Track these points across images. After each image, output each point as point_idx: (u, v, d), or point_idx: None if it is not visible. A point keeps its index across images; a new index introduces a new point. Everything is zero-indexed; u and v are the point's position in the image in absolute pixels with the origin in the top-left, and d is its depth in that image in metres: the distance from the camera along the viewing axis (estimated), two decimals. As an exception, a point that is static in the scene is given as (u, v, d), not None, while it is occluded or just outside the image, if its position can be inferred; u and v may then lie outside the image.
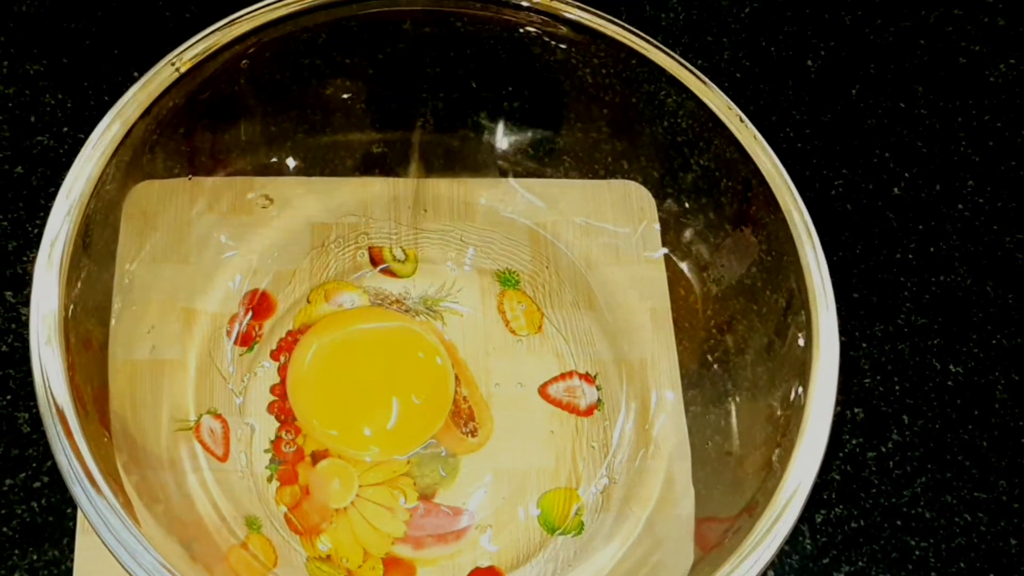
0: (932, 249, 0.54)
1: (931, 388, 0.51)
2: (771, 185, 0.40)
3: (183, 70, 0.39)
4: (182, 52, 0.39)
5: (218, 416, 0.45)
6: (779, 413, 0.40)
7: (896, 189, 0.56)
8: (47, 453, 0.45)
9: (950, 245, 0.54)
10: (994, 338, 0.52)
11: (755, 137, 0.40)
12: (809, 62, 0.59)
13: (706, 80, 0.42)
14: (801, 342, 0.39)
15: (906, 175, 0.56)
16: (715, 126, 0.41)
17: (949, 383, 0.51)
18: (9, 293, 0.48)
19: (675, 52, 0.58)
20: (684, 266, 0.48)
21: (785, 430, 0.39)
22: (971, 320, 0.53)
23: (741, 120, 0.41)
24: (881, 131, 0.57)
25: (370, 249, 0.49)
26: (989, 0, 0.62)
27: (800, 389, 0.39)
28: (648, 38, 0.42)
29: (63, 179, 0.49)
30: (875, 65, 0.59)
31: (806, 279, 0.39)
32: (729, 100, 0.41)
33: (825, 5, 0.61)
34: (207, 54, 0.39)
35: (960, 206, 0.56)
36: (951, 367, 0.51)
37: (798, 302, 0.40)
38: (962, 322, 0.53)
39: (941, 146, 0.57)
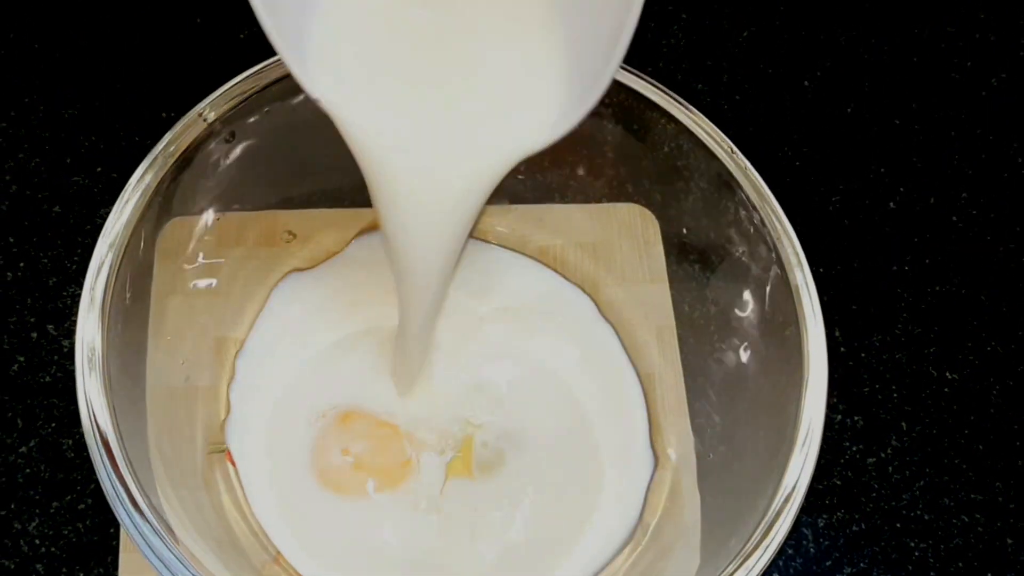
0: (927, 260, 0.56)
1: (928, 395, 0.53)
2: (761, 213, 0.42)
3: (210, 120, 0.42)
4: (209, 104, 0.42)
5: (249, 438, 0.48)
6: (778, 420, 0.42)
7: (891, 203, 0.58)
8: (90, 477, 0.47)
9: (945, 256, 0.56)
10: (988, 345, 0.54)
11: (745, 168, 0.42)
12: (806, 82, 0.61)
13: (697, 113, 0.44)
14: (795, 356, 0.42)
15: (901, 189, 0.58)
16: (708, 155, 0.44)
17: (945, 390, 0.53)
18: (51, 326, 0.51)
19: (676, 76, 0.60)
20: (687, 286, 0.50)
21: (784, 436, 0.41)
22: (966, 328, 0.55)
23: (732, 151, 0.43)
24: (876, 147, 0.59)
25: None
26: (980, 17, 0.64)
27: (796, 397, 0.41)
28: (643, 75, 0.44)
29: (98, 217, 0.53)
30: (869, 83, 0.61)
31: (795, 298, 0.41)
32: (720, 132, 0.43)
33: (820, 27, 0.63)
34: (233, 105, 0.42)
35: (954, 218, 0.58)
36: (947, 374, 0.53)
37: (792, 319, 0.42)
38: (957, 331, 0.55)
39: (935, 160, 0.59)
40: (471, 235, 0.50)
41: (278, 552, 0.44)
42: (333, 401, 0.47)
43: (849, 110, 0.60)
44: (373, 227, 0.51)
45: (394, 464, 0.46)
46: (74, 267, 0.52)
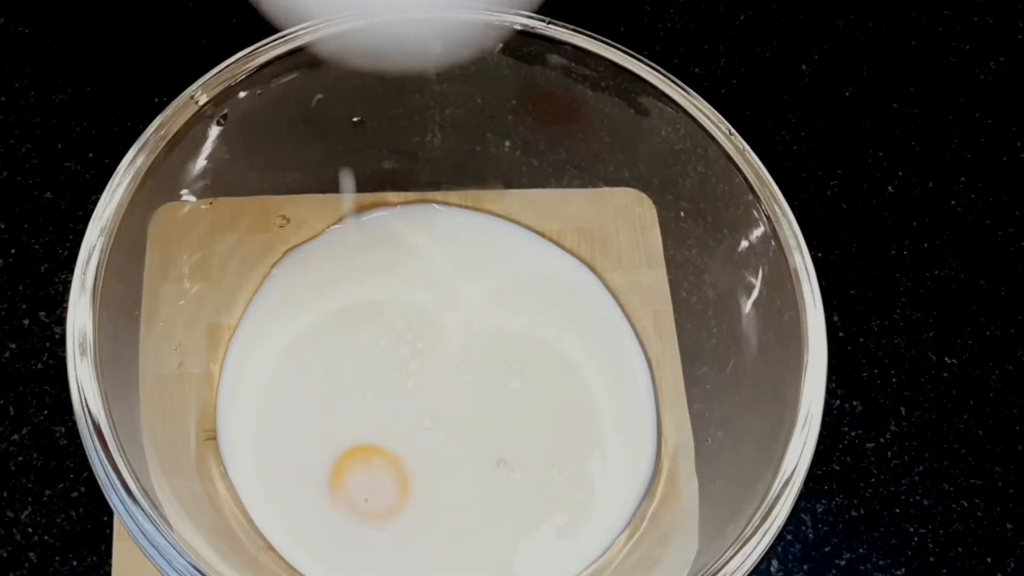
0: (926, 245, 0.56)
1: (927, 380, 0.53)
2: (760, 196, 0.42)
3: (201, 103, 0.41)
4: (201, 85, 0.41)
5: (243, 425, 0.47)
6: (777, 406, 0.42)
7: (890, 187, 0.57)
8: (83, 464, 0.47)
9: (943, 241, 0.56)
10: (987, 330, 0.54)
11: (743, 150, 0.42)
12: (803, 66, 0.61)
13: (694, 95, 0.43)
14: (794, 340, 0.41)
15: (899, 174, 0.58)
16: (706, 137, 0.43)
17: (944, 375, 0.53)
18: (43, 313, 0.50)
19: (673, 59, 0.60)
20: (684, 270, 0.50)
21: (782, 421, 0.40)
22: (965, 313, 0.54)
23: (730, 133, 0.42)
24: (874, 131, 0.59)
25: (383, 261, 0.51)
26: (978, 0, 0.63)
27: (794, 382, 0.41)
28: (640, 57, 0.44)
29: (90, 203, 0.52)
30: (867, 67, 0.61)
31: (793, 282, 0.41)
32: (718, 114, 0.43)
33: (817, 11, 0.62)
34: (224, 87, 0.41)
35: (952, 202, 0.57)
36: (946, 359, 0.53)
37: (790, 303, 0.42)
38: (956, 315, 0.54)
39: (933, 144, 0.59)
40: (469, 207, 0.50)
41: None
42: (324, 387, 0.47)
43: (847, 94, 0.60)
44: (363, 208, 0.51)
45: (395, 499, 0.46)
46: (66, 253, 0.51)
